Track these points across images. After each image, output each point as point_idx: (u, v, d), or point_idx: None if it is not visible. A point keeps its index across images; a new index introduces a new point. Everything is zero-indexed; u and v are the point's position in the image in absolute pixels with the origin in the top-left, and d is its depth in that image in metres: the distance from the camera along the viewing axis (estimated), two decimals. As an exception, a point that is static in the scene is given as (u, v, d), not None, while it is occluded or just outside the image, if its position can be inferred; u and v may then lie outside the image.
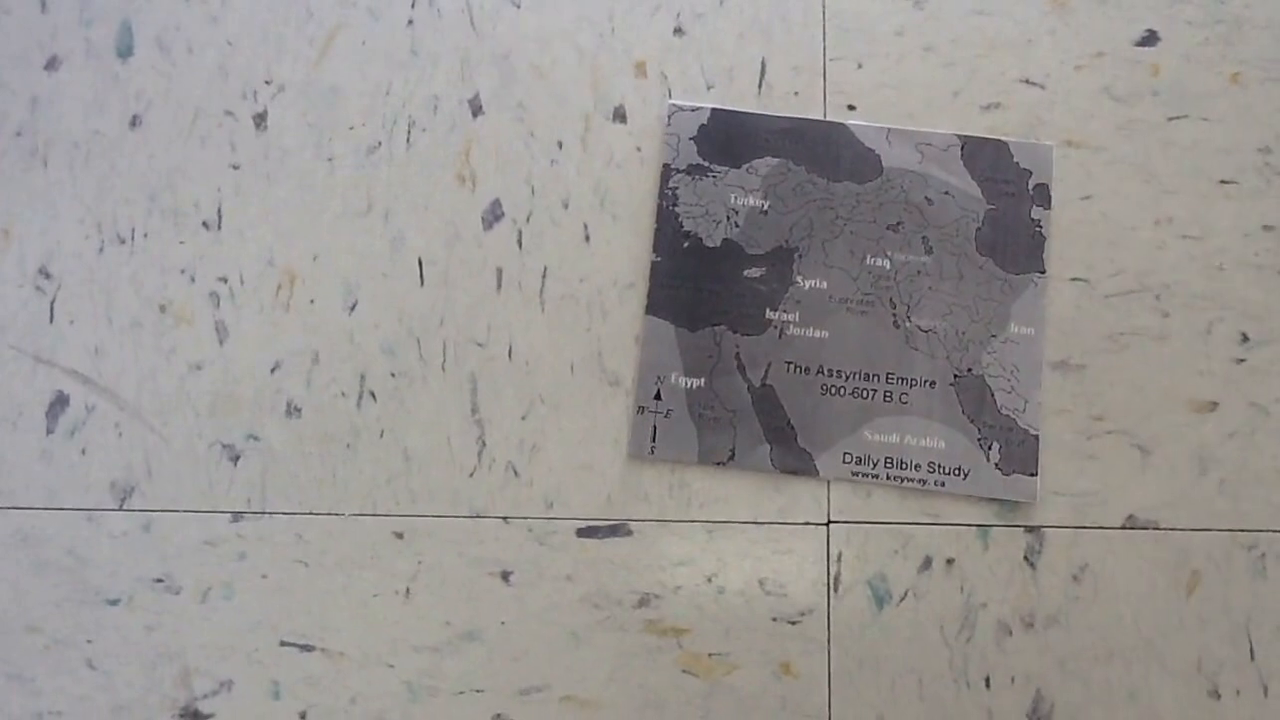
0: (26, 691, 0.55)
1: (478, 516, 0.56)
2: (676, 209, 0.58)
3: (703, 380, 0.57)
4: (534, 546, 0.55)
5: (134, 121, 0.59)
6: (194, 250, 0.58)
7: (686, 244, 0.58)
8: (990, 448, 0.56)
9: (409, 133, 0.59)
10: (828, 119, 0.58)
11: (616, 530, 0.56)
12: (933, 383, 0.57)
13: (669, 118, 0.59)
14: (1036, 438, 0.56)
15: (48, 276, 0.58)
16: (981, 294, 0.57)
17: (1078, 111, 0.58)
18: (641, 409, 0.57)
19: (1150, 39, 0.59)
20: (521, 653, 0.55)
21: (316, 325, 0.57)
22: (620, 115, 0.59)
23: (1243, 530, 0.55)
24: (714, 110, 0.58)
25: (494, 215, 0.58)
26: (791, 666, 0.54)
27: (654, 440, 0.56)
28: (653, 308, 0.57)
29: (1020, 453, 0.56)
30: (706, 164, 0.58)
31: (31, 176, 0.59)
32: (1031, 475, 0.56)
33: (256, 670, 0.55)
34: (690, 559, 0.55)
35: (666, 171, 0.58)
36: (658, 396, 0.57)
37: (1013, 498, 0.55)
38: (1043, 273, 0.57)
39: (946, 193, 0.58)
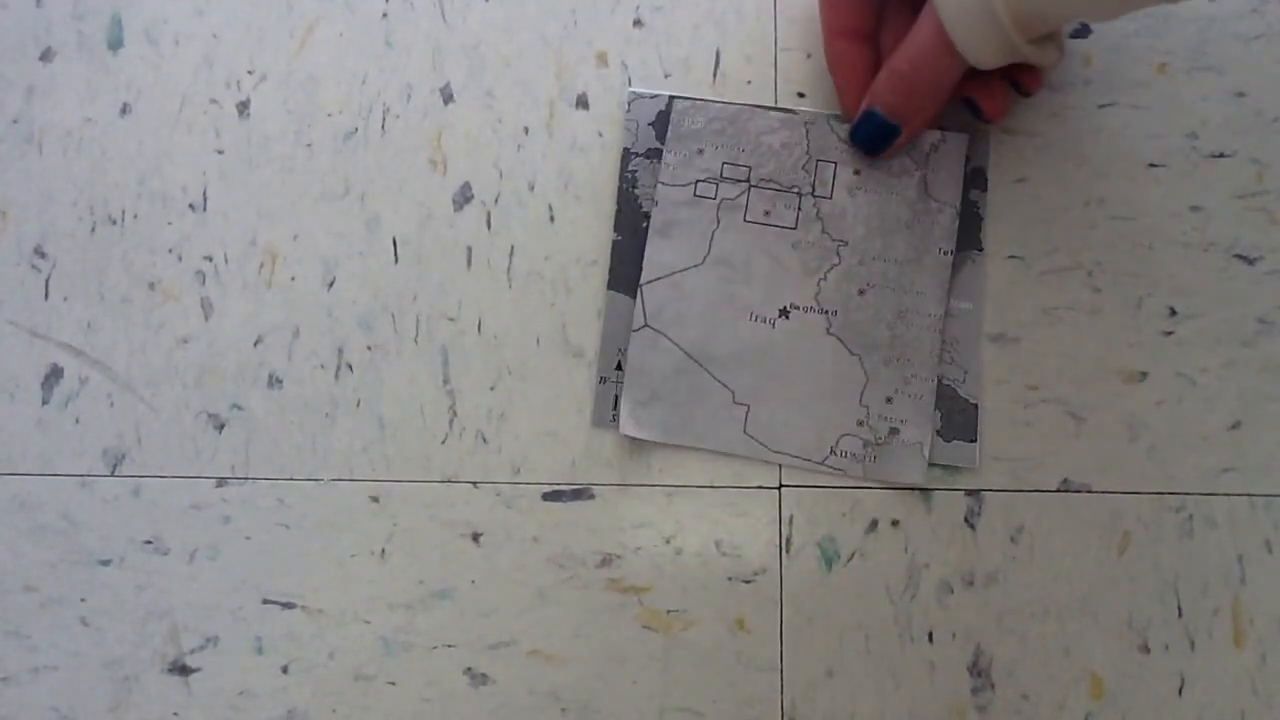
0: (23, 647, 0.51)
1: (449, 481, 0.52)
2: (636, 191, 0.53)
3: (661, 353, 0.53)
4: (502, 510, 0.51)
5: (124, 109, 0.55)
6: (181, 231, 0.54)
7: (645, 224, 0.53)
8: (934, 418, 0.52)
9: (384, 120, 0.54)
10: (779, 106, 0.55)
11: (580, 494, 0.52)
12: (878, 355, 0.53)
13: (629, 104, 0.54)
14: (976, 407, 0.51)
15: (43, 256, 0.54)
16: (924, 271, 0.54)
17: (1013, 99, 0.55)
18: (604, 380, 0.52)
19: (1082, 31, 0.54)
20: (491, 610, 0.51)
21: (297, 301, 0.53)
22: (583, 102, 0.55)
23: (1171, 493, 0.51)
24: (671, 97, 0.54)
25: (464, 197, 0.54)
26: (745, 623, 0.51)
27: (615, 409, 0.53)
28: (614, 283, 0.53)
29: (961, 421, 0.51)
30: (664, 148, 0.54)
31: (27, 161, 0.54)
32: (971, 442, 0.51)
33: (241, 627, 0.50)
34: (650, 521, 0.51)
35: (626, 155, 0.53)
36: (619, 368, 0.53)
37: (954, 463, 0.51)
38: (980, 250, 0.53)
39: (891, 176, 0.55)
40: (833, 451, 0.51)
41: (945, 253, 0.52)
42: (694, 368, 0.52)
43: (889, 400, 0.51)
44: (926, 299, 0.52)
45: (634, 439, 0.52)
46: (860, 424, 0.51)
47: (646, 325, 0.52)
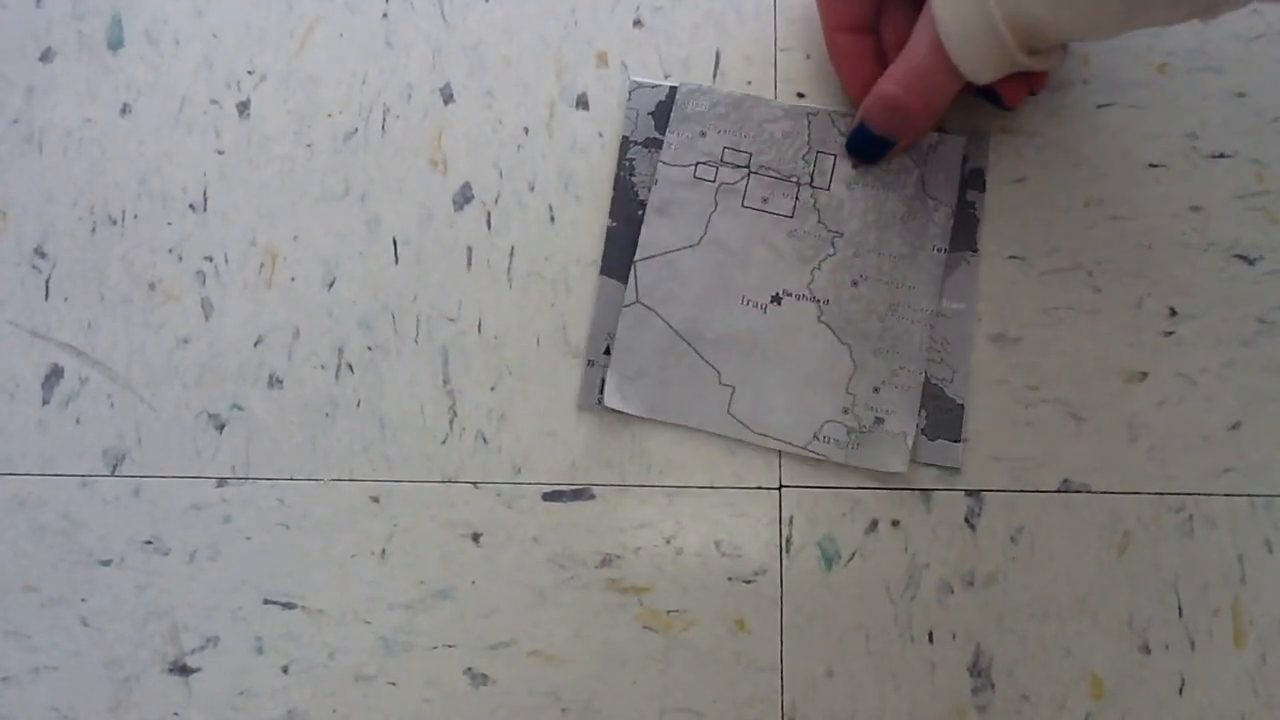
0: (23, 647, 0.50)
1: (449, 481, 0.51)
2: (633, 179, 0.53)
3: (653, 343, 0.52)
4: (502, 510, 0.51)
5: (124, 110, 0.54)
6: (181, 231, 0.53)
7: (641, 212, 0.52)
8: (919, 415, 0.51)
9: (384, 120, 0.54)
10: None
11: (580, 494, 0.51)
12: (873, 355, 0.53)
13: (630, 94, 0.53)
14: (962, 407, 0.51)
15: (43, 256, 0.53)
16: (918, 271, 0.53)
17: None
18: (591, 363, 0.52)
19: (1083, 30, 0.55)
20: (491, 610, 0.50)
21: (297, 302, 0.53)
22: (583, 103, 0.54)
23: (1171, 494, 0.50)
24: (672, 88, 0.53)
25: (464, 198, 0.54)
26: (746, 623, 0.50)
27: (601, 393, 0.51)
28: (606, 269, 0.52)
29: (946, 420, 0.50)
30: (663, 138, 0.53)
31: (28, 161, 0.54)
32: (955, 442, 0.51)
33: (241, 627, 0.50)
34: (650, 522, 0.51)
35: (625, 144, 0.53)
36: (607, 352, 0.52)
37: (937, 462, 0.50)
38: (975, 251, 0.52)
39: (890, 176, 0.54)
40: (816, 437, 0.51)
41: (939, 250, 0.52)
42: (683, 347, 0.51)
43: (876, 390, 0.51)
44: (919, 294, 0.52)
45: (634, 437, 0.51)
46: (845, 411, 0.51)
47: (638, 302, 0.52)
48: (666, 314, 0.52)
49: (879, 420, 0.51)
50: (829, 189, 0.52)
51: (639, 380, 0.51)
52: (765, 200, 0.52)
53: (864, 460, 0.51)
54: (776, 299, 0.52)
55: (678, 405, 0.51)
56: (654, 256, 0.52)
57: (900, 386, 0.51)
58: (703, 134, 0.53)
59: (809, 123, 0.53)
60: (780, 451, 0.51)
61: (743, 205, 0.52)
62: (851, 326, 0.51)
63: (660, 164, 0.52)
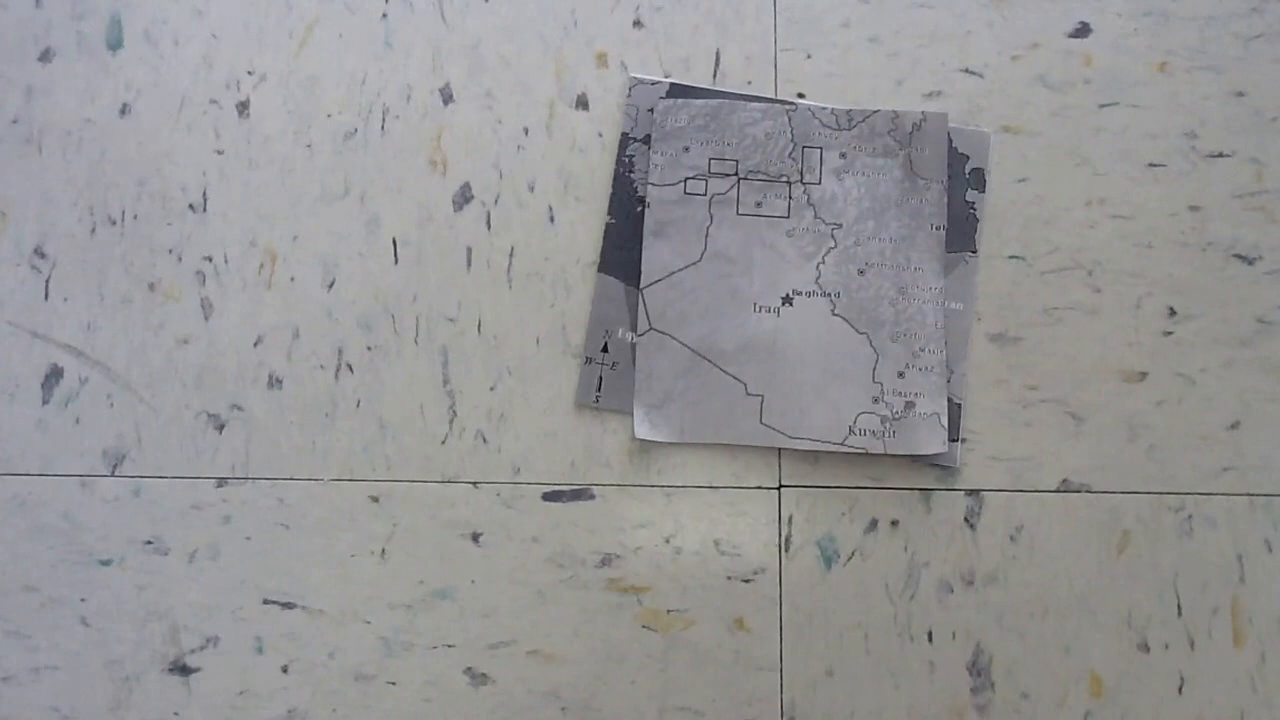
0: (24, 647, 0.50)
1: (449, 481, 0.51)
2: (632, 175, 0.53)
3: (652, 341, 0.52)
4: (502, 510, 0.51)
5: (124, 110, 0.54)
6: (181, 231, 0.53)
7: (640, 208, 0.53)
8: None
9: (383, 120, 0.54)
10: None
11: (580, 494, 0.51)
12: (870, 353, 0.53)
13: (630, 89, 0.53)
14: (959, 406, 0.51)
15: (43, 256, 0.53)
16: (919, 271, 0.53)
17: (1014, 99, 0.54)
18: (589, 360, 0.52)
19: (1082, 30, 0.54)
20: (491, 610, 0.50)
21: (296, 302, 0.53)
22: (583, 103, 0.54)
23: (1170, 493, 0.51)
24: (672, 85, 0.53)
25: (464, 198, 0.54)
26: (745, 622, 0.50)
27: (599, 390, 0.52)
28: (605, 266, 0.52)
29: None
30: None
31: (27, 162, 0.54)
32: (955, 441, 0.51)
33: (241, 627, 0.50)
34: (649, 521, 0.51)
35: (624, 140, 0.53)
36: (605, 349, 0.52)
37: (937, 461, 0.50)
38: (974, 252, 0.52)
39: (890, 176, 0.54)
40: (851, 431, 0.51)
41: (937, 228, 0.52)
42: (703, 365, 0.51)
43: (901, 375, 0.51)
44: (925, 274, 0.52)
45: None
46: (876, 400, 0.51)
47: (651, 329, 0.52)
48: (681, 335, 0.52)
49: (909, 404, 0.51)
50: (820, 183, 0.53)
51: (665, 406, 0.51)
52: (759, 204, 0.52)
53: (902, 447, 0.51)
54: (788, 300, 0.52)
55: (709, 424, 0.51)
56: (659, 280, 0.52)
57: (923, 367, 0.51)
58: (686, 149, 0.53)
59: (789, 119, 0.53)
60: (819, 452, 0.51)
61: (738, 213, 0.52)
62: (865, 315, 0.52)
63: (650, 186, 0.53)
